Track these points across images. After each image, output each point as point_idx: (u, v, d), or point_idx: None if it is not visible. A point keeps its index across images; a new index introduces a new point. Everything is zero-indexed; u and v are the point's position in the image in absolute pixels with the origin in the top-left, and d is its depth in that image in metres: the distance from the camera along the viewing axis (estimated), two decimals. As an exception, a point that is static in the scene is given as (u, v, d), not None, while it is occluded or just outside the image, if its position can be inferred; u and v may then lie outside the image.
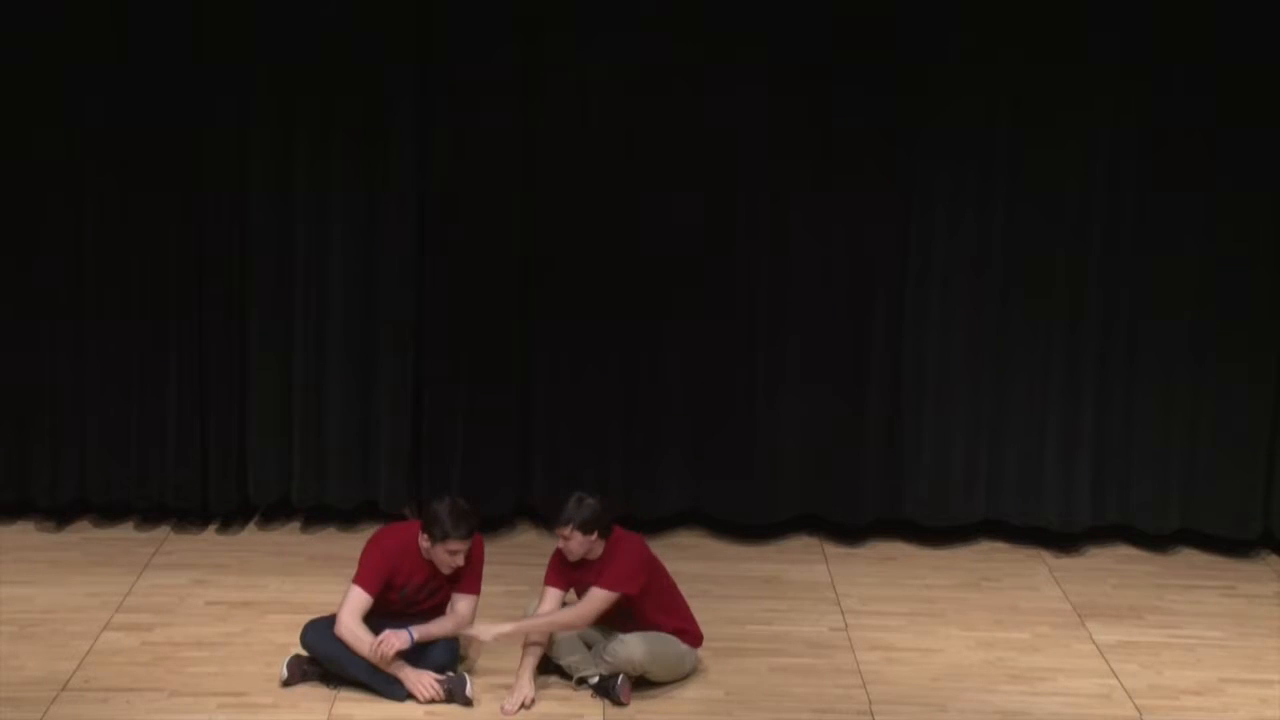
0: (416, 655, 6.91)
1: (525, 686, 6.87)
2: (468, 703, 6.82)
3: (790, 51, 8.37)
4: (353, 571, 7.01)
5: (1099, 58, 8.33)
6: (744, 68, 8.38)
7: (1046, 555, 8.68)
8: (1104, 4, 8.30)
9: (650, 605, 7.02)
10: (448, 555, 6.93)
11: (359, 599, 6.91)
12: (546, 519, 8.71)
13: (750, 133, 8.44)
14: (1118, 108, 8.38)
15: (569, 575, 7.08)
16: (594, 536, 6.94)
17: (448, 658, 7.01)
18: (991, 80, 8.38)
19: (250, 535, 8.77)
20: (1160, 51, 8.32)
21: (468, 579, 7.07)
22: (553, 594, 7.07)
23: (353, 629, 6.87)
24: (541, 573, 7.15)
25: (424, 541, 6.96)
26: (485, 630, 6.98)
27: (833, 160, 8.48)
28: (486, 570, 7.13)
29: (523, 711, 6.81)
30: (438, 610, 7.09)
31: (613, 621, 7.02)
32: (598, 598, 6.93)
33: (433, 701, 6.83)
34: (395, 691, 6.86)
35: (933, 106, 8.42)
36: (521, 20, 8.37)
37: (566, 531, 6.92)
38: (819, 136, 8.46)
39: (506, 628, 6.96)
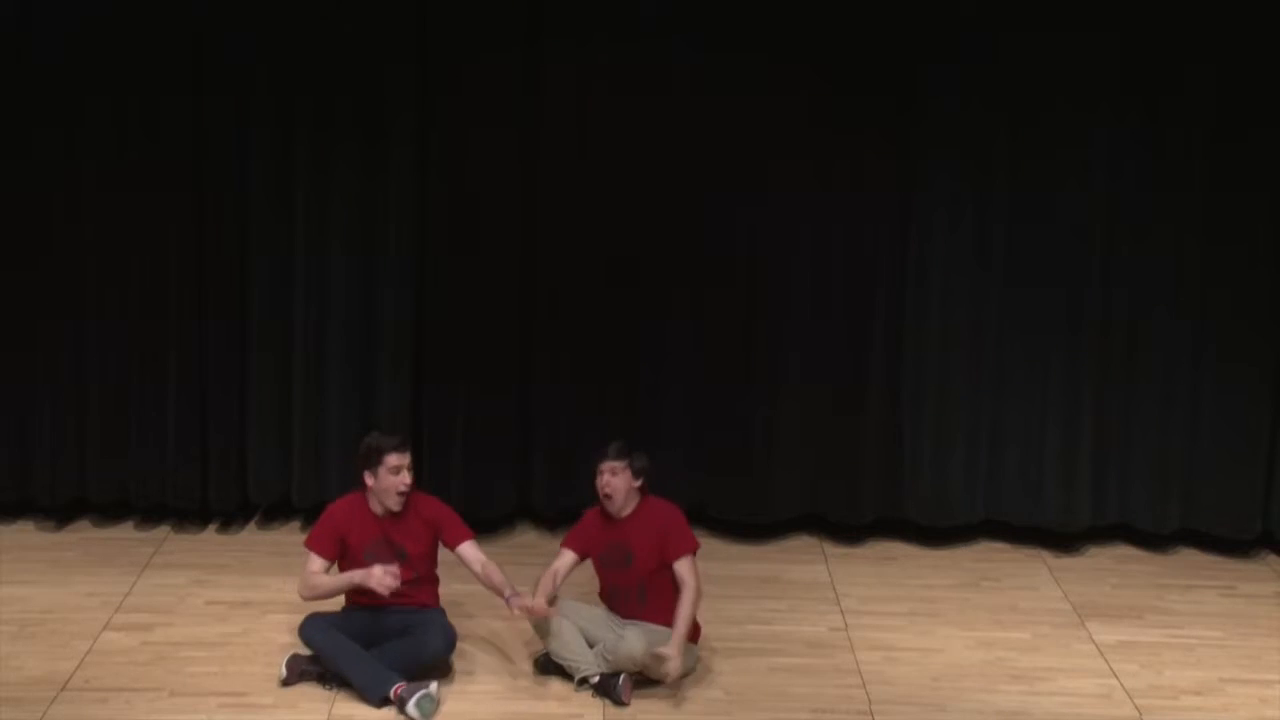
0: (417, 644, 6.89)
1: (541, 603, 6.88)
2: (410, 716, 6.67)
3: (790, 51, 8.38)
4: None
5: (1099, 58, 8.33)
6: (744, 68, 8.38)
7: (1046, 555, 8.68)
8: (1105, 4, 8.31)
9: (662, 597, 7.03)
10: (392, 476, 6.91)
11: (312, 562, 7.00)
12: (547, 519, 8.76)
13: (750, 133, 8.44)
14: (1118, 108, 8.38)
15: (595, 539, 7.08)
16: (638, 484, 6.99)
17: (443, 644, 6.96)
18: (991, 80, 8.38)
19: (250, 535, 8.78)
20: (1160, 51, 8.33)
21: (450, 531, 7.04)
22: (569, 557, 7.10)
23: (307, 581, 6.96)
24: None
25: (369, 480, 6.96)
26: (670, 660, 6.84)
27: (833, 160, 8.48)
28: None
29: (522, 709, 6.79)
30: (416, 585, 6.99)
31: (616, 610, 7.05)
32: (687, 567, 6.96)
33: (395, 597, 6.83)
34: (379, 690, 6.75)
35: (933, 106, 8.42)
36: (521, 20, 8.38)
37: (619, 465, 6.96)
38: (819, 136, 8.46)
39: (671, 650, 6.82)
